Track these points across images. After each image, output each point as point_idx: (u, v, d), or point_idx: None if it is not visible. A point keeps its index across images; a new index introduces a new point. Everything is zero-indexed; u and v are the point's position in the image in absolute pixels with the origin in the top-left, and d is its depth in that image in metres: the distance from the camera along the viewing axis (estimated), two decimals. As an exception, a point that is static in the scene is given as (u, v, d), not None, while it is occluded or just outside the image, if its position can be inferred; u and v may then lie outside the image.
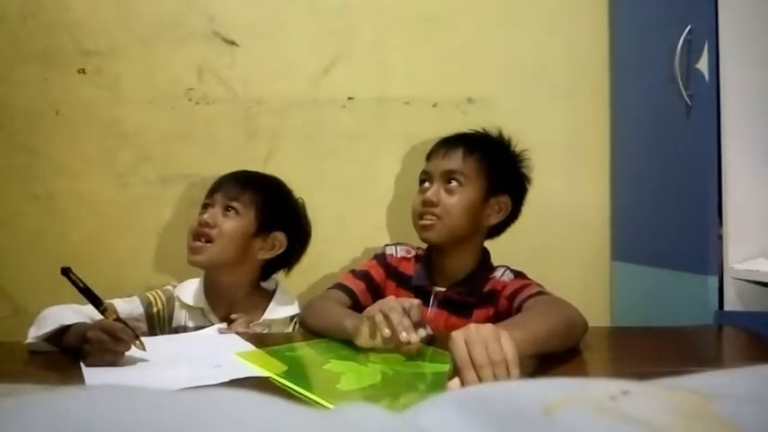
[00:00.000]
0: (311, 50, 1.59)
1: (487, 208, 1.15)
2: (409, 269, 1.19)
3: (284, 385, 0.75)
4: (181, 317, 1.21)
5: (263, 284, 1.28)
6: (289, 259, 1.27)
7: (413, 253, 1.22)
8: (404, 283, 1.17)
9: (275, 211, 1.22)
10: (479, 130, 1.24)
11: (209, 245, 1.16)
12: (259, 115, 1.59)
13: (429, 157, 1.20)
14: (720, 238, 1.20)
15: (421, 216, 1.13)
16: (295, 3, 1.59)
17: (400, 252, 1.22)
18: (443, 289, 1.14)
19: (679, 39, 1.24)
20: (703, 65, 1.21)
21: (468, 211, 1.12)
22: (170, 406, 0.21)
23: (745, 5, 1.20)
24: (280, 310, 1.22)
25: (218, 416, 0.20)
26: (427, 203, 1.12)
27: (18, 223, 1.55)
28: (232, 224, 1.17)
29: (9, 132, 1.55)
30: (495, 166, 1.15)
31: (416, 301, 0.89)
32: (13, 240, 1.55)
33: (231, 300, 1.22)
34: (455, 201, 1.11)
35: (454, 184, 1.12)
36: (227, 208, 1.18)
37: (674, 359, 0.93)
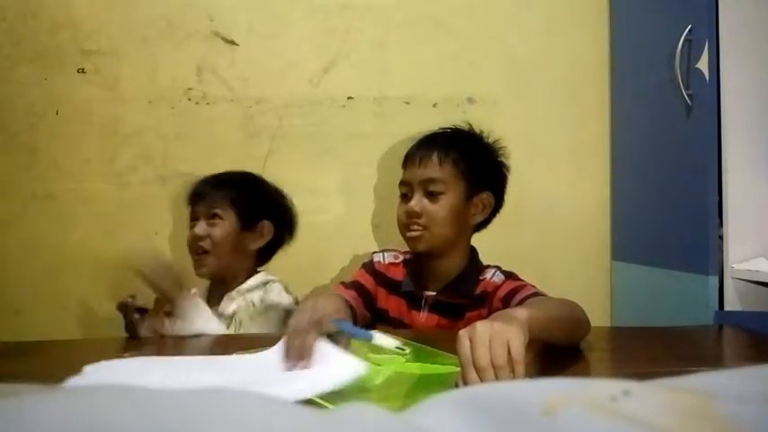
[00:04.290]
0: (311, 50, 1.59)
1: (471, 207, 1.14)
2: (398, 274, 1.18)
3: (284, 385, 0.75)
4: None
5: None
6: (281, 242, 1.35)
7: (401, 258, 1.21)
8: (394, 289, 1.17)
9: (254, 204, 1.29)
10: (452, 125, 1.22)
11: (206, 256, 1.24)
12: (259, 115, 1.59)
13: (405, 164, 1.18)
14: (720, 238, 1.20)
15: (407, 227, 1.12)
16: (295, 3, 1.59)
17: (388, 258, 1.21)
18: (434, 293, 1.13)
19: (679, 39, 1.24)
20: (703, 65, 1.21)
21: (453, 216, 1.11)
22: (170, 406, 0.21)
23: (745, 5, 1.20)
24: (249, 282, 1.27)
25: (219, 416, 0.20)
26: (411, 214, 1.11)
27: (18, 223, 1.55)
28: (220, 230, 1.24)
29: (9, 132, 1.55)
30: (473, 165, 1.13)
31: (331, 322, 0.84)
32: (13, 240, 1.55)
33: (230, 288, 1.28)
34: (438, 208, 1.10)
35: (435, 192, 1.11)
36: (211, 216, 1.25)
37: (674, 359, 0.93)
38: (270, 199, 1.34)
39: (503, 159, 1.20)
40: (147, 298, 1.11)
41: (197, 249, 1.24)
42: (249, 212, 1.27)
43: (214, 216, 1.24)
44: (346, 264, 1.57)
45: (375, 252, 1.24)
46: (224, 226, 1.24)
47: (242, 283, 1.28)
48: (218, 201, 1.25)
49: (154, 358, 0.86)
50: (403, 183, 1.16)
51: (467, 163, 1.12)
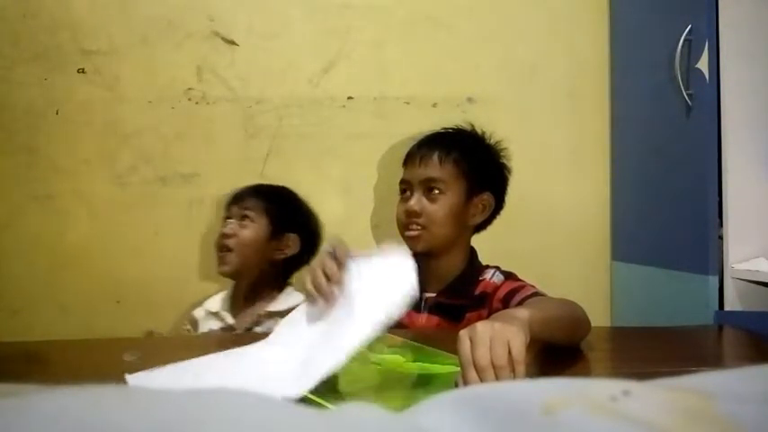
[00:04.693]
0: (311, 50, 1.59)
1: (471, 208, 1.13)
2: None
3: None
4: (206, 325, 1.33)
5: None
6: (305, 258, 1.37)
7: None
8: None
9: (286, 215, 1.33)
10: (454, 126, 1.22)
11: (230, 254, 1.28)
12: (259, 115, 1.59)
13: (405, 163, 1.17)
14: (720, 238, 1.20)
15: (406, 227, 1.12)
16: (295, 3, 1.59)
17: None
18: (433, 294, 1.13)
19: (679, 39, 1.24)
20: (703, 65, 1.21)
21: (453, 216, 1.11)
22: (170, 406, 0.21)
23: (745, 5, 1.20)
24: (283, 303, 1.29)
25: (218, 415, 0.20)
26: (410, 214, 1.10)
27: (18, 223, 1.55)
28: (248, 232, 1.28)
29: (9, 132, 1.55)
30: (473, 166, 1.13)
31: (340, 246, 0.85)
32: (12, 240, 1.55)
33: (253, 299, 1.31)
34: (438, 208, 1.09)
35: (435, 191, 1.10)
36: (242, 218, 1.29)
37: (674, 359, 0.93)
38: (301, 215, 1.38)
39: (504, 161, 1.20)
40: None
41: (222, 247, 1.28)
42: (279, 222, 1.31)
43: (245, 218, 1.29)
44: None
45: None
46: (253, 228, 1.28)
47: (268, 296, 1.30)
48: (252, 205, 1.30)
49: (189, 361, 0.81)
50: (403, 182, 1.16)
51: (468, 163, 1.12)
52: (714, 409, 0.21)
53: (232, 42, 1.58)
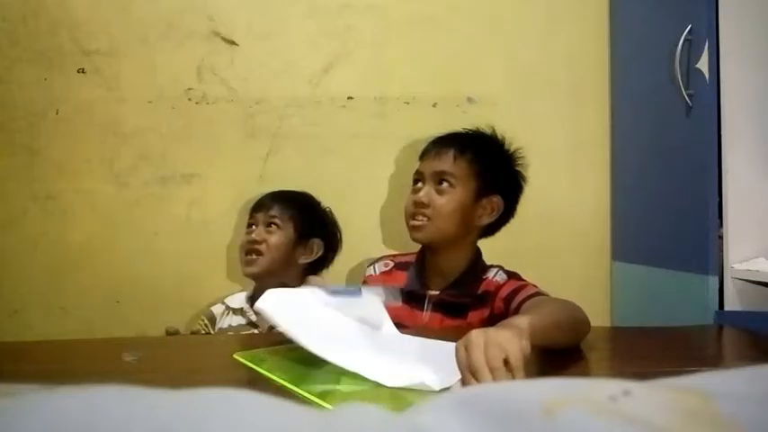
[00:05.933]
0: (311, 50, 1.59)
1: (479, 208, 1.14)
2: (392, 280, 1.19)
3: (283, 385, 0.75)
4: (226, 321, 1.37)
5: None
6: (326, 261, 1.43)
7: (391, 264, 1.22)
8: None
9: (311, 221, 1.38)
10: (475, 128, 1.23)
11: (259, 257, 1.31)
12: (259, 115, 1.59)
13: (422, 156, 1.19)
14: (720, 238, 1.20)
15: (412, 216, 1.14)
16: (295, 3, 1.59)
17: (379, 268, 1.22)
18: (437, 292, 1.14)
19: (679, 39, 1.24)
20: (703, 65, 1.21)
21: (459, 212, 1.12)
22: (169, 406, 0.21)
23: (745, 5, 1.20)
24: None
25: (218, 416, 0.20)
26: (418, 204, 1.12)
27: (18, 223, 1.55)
28: (276, 237, 1.33)
29: (9, 132, 1.55)
30: (487, 167, 1.14)
31: None
32: (13, 240, 1.55)
33: None
34: (445, 202, 1.11)
35: (445, 185, 1.12)
36: (269, 224, 1.33)
37: (674, 359, 0.93)
38: (324, 220, 1.42)
39: (520, 169, 1.20)
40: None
41: (251, 251, 1.32)
42: (304, 228, 1.35)
43: (271, 225, 1.33)
44: (346, 264, 1.56)
45: (368, 265, 1.25)
46: (280, 234, 1.33)
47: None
48: (277, 213, 1.34)
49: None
50: (417, 173, 1.18)
51: (481, 164, 1.13)
52: (714, 409, 0.21)
53: (232, 42, 1.58)
